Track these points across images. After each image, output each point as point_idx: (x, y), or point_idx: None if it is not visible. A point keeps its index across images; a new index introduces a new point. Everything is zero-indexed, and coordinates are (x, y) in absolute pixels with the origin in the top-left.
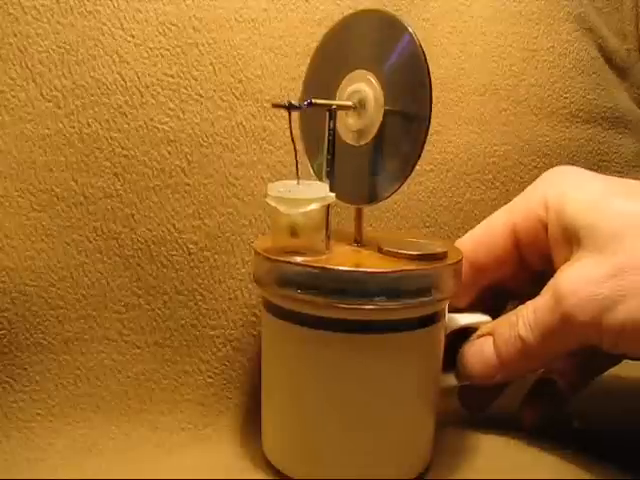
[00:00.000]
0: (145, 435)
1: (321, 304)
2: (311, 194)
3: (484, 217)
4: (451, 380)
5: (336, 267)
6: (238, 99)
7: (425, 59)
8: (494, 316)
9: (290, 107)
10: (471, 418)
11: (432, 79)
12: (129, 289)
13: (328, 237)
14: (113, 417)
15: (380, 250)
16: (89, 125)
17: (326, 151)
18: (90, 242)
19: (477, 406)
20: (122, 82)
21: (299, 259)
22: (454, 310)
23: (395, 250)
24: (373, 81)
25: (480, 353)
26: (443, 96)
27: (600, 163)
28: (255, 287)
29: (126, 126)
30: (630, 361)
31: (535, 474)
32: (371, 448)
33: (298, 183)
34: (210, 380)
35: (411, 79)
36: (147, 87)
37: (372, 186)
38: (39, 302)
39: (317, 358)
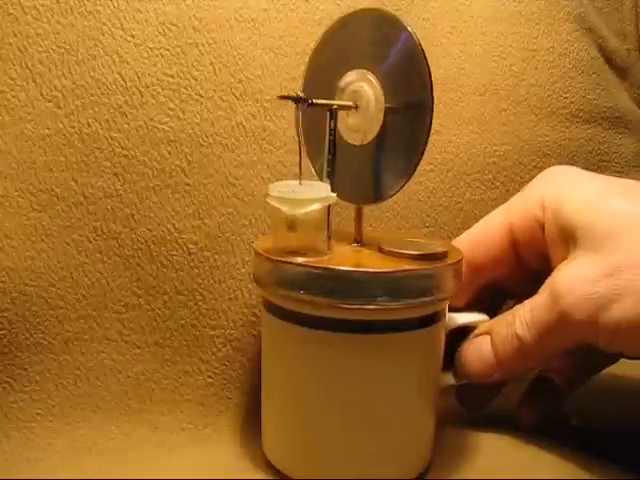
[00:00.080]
0: (145, 435)
1: (323, 304)
2: (313, 194)
3: (484, 217)
4: (449, 379)
5: (339, 267)
6: (238, 99)
7: (425, 56)
8: (491, 315)
9: (298, 99)
10: (470, 417)
11: (432, 79)
12: (129, 289)
13: (329, 237)
14: (113, 417)
15: (381, 250)
16: (89, 125)
17: (327, 151)
18: (90, 242)
19: (475, 405)
20: (122, 82)
21: (301, 259)
22: (452, 309)
23: (396, 250)
24: (373, 80)
25: (478, 352)
26: (443, 96)
27: (600, 163)
28: (255, 287)
29: (126, 126)
30: (627, 360)
31: (535, 473)
32: (372, 448)
33: (300, 183)
34: (210, 380)
35: (411, 77)
36: (147, 87)
37: (374, 185)
38: (39, 302)
39: (317, 358)
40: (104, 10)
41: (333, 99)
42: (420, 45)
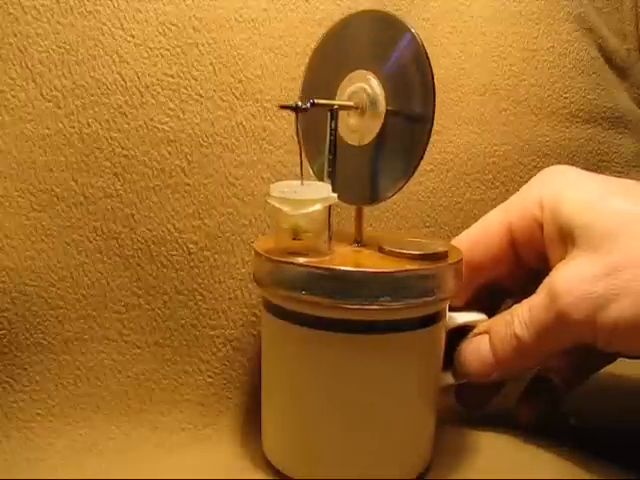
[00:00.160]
0: (145, 435)
1: (325, 305)
2: (314, 195)
3: (483, 217)
4: (448, 378)
5: (341, 268)
6: (238, 99)
7: (428, 58)
8: (490, 314)
9: (297, 109)
10: (469, 416)
11: (435, 81)
12: (129, 289)
13: (330, 237)
14: (113, 417)
15: (381, 250)
16: (89, 125)
17: (328, 151)
18: (90, 242)
19: (475, 405)
20: (122, 82)
21: (302, 260)
22: (451, 309)
23: (396, 250)
24: (374, 81)
25: (477, 351)
26: (443, 96)
27: (600, 163)
28: (255, 287)
29: (126, 126)
30: (625, 359)
31: (535, 473)
32: (372, 448)
33: (302, 184)
34: (210, 380)
35: (414, 79)
36: (147, 87)
37: (374, 186)
38: (39, 302)
39: (318, 358)
40: (104, 10)
41: (333, 100)
42: (423, 47)
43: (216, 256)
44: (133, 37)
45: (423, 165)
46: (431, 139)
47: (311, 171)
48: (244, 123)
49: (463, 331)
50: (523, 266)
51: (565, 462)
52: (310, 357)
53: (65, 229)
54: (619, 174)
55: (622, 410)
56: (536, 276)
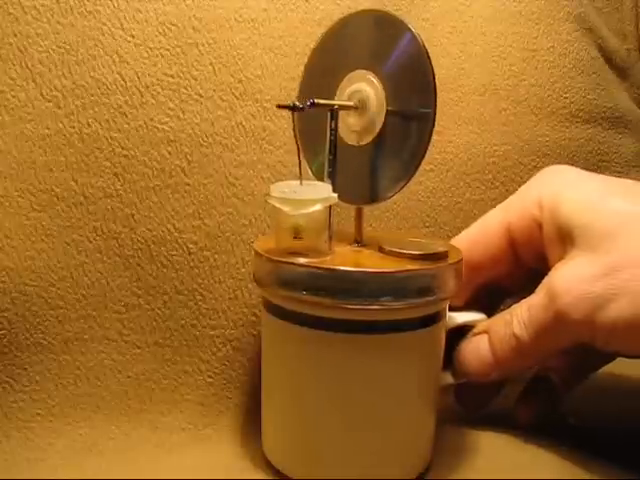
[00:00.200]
0: (145, 435)
1: (326, 305)
2: (315, 195)
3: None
4: (448, 378)
5: (342, 268)
6: (238, 99)
7: (429, 58)
8: (489, 314)
9: (295, 108)
10: (469, 416)
11: (436, 81)
12: (129, 289)
13: (330, 238)
14: (113, 417)
15: (382, 250)
16: (89, 125)
17: (328, 151)
18: (90, 242)
19: (474, 406)
20: (122, 82)
21: (303, 260)
22: (450, 308)
23: (397, 250)
24: (374, 81)
25: (476, 351)
26: (443, 96)
27: (600, 163)
28: (255, 287)
29: (126, 126)
30: (624, 359)
31: (535, 473)
32: (372, 448)
33: (301, 184)
34: (210, 380)
35: (414, 78)
36: (147, 87)
37: (374, 186)
38: (39, 302)
39: (318, 358)
40: (104, 10)
41: (332, 99)
42: (424, 46)
43: (216, 256)
44: (133, 37)
45: (423, 165)
46: (432, 139)
47: (310, 171)
48: (244, 123)
49: (462, 331)
50: (522, 266)
51: (565, 462)
52: (310, 357)
53: (65, 229)
54: (619, 174)
55: (621, 410)
56: (535, 276)
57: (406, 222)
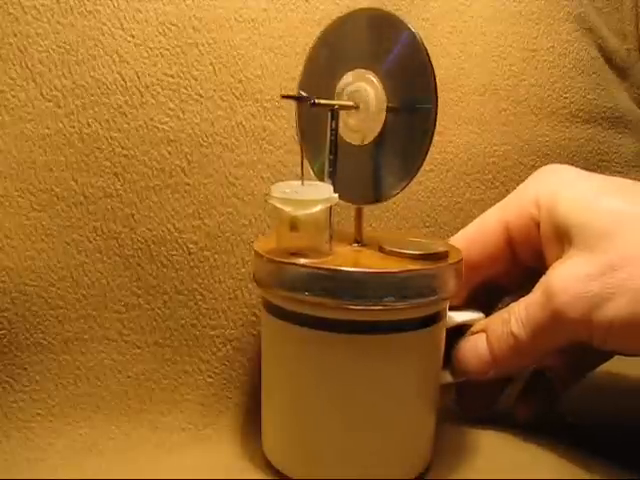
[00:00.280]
0: (145, 435)
1: (330, 306)
2: (316, 195)
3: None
4: (447, 377)
5: (345, 268)
6: (238, 99)
7: (428, 57)
8: (487, 312)
9: (301, 98)
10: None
11: (436, 80)
12: (129, 289)
13: (331, 238)
14: (113, 417)
15: (382, 250)
16: (89, 125)
17: (328, 151)
18: (90, 242)
19: (475, 410)
20: (122, 82)
21: (304, 261)
22: (449, 307)
23: (397, 250)
24: (374, 80)
25: (474, 349)
26: (443, 96)
27: (600, 163)
28: (255, 287)
29: (126, 126)
30: (621, 357)
31: (535, 473)
32: (373, 448)
33: (302, 184)
34: (210, 380)
35: (415, 77)
36: (147, 87)
37: (376, 186)
38: (39, 302)
39: (318, 358)
40: (104, 10)
41: (331, 99)
42: (424, 45)
43: (216, 256)
44: (133, 37)
45: (423, 165)
46: (434, 139)
47: (311, 171)
48: (244, 123)
49: (461, 330)
50: (520, 264)
51: (564, 461)
52: (310, 358)
53: (65, 229)
54: (619, 174)
55: (619, 408)
56: (533, 274)
57: (406, 222)
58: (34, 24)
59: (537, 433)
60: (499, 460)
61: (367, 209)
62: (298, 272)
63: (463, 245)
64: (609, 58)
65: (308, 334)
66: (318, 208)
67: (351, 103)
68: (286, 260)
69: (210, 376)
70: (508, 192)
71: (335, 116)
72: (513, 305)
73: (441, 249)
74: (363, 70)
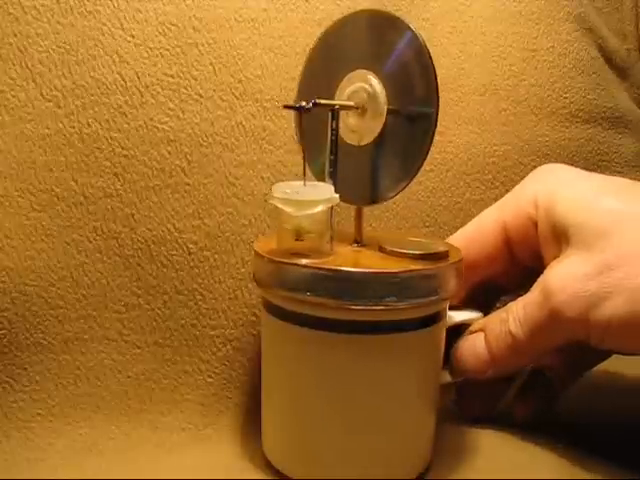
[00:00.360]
0: (145, 435)
1: (332, 306)
2: (318, 195)
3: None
4: (445, 376)
5: (347, 269)
6: (238, 99)
7: (430, 57)
8: (486, 312)
9: (301, 109)
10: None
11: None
12: (129, 289)
13: (331, 238)
14: (113, 417)
15: (382, 250)
16: (89, 125)
17: (329, 152)
18: (90, 242)
19: (474, 412)
20: (122, 82)
21: (305, 261)
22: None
23: (398, 250)
24: (374, 80)
25: (472, 349)
26: (443, 96)
27: (600, 163)
28: (255, 287)
29: (126, 126)
30: (619, 356)
31: (535, 473)
32: (373, 449)
33: (304, 184)
34: (210, 380)
35: (416, 78)
36: (147, 87)
37: (375, 186)
38: (39, 302)
39: (319, 359)
40: (104, 10)
41: (332, 100)
42: (425, 45)
43: (216, 256)
44: (133, 37)
45: (423, 165)
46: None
47: (310, 171)
48: (244, 123)
49: (459, 329)
50: (518, 264)
51: (564, 461)
52: (311, 358)
53: (65, 229)
54: (619, 174)
55: (616, 407)
56: (531, 274)
57: (406, 222)
58: (34, 24)
59: (536, 432)
60: (499, 460)
61: (367, 209)
62: (299, 272)
63: (461, 245)
64: (609, 58)
65: (308, 334)
66: (319, 208)
67: (351, 103)
68: (287, 260)
69: (210, 376)
70: (508, 192)
71: (336, 116)
72: (511, 304)
73: (441, 249)
74: (364, 71)
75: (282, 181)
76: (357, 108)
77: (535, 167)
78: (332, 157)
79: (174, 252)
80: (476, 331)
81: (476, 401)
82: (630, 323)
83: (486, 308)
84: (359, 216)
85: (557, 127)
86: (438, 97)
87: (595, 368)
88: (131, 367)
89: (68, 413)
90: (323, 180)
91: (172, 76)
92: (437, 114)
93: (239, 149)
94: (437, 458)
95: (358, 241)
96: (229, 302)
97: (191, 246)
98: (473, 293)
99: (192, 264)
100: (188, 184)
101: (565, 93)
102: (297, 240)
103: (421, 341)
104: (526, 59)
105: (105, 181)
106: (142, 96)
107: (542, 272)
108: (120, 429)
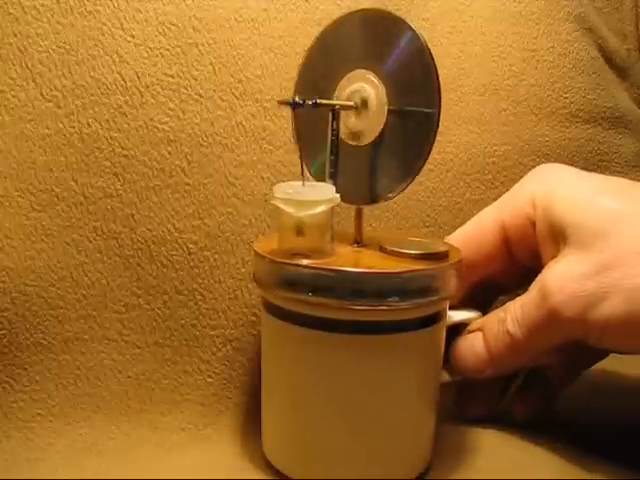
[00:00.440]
0: (145, 435)
1: (333, 306)
2: (319, 196)
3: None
4: (444, 375)
5: (350, 269)
6: (238, 99)
7: (432, 56)
8: (484, 311)
9: (294, 105)
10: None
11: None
12: (129, 289)
13: (332, 238)
14: (113, 417)
15: (383, 250)
16: (89, 125)
17: (329, 152)
18: (90, 242)
19: (474, 412)
20: (122, 82)
21: (307, 261)
22: None
23: (398, 250)
24: (374, 80)
25: (471, 348)
26: (443, 96)
27: (600, 163)
28: (255, 287)
29: (126, 126)
30: (617, 355)
31: (535, 473)
32: (373, 449)
33: (303, 184)
34: (210, 380)
35: (417, 77)
36: (147, 87)
37: (375, 186)
38: (39, 302)
39: (319, 359)
40: (104, 10)
41: (331, 100)
42: (427, 45)
43: (216, 256)
44: (133, 37)
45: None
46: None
47: (308, 172)
48: (244, 123)
49: (458, 328)
50: (516, 263)
51: (563, 461)
52: (311, 358)
53: (65, 229)
54: (619, 174)
55: (614, 406)
56: (529, 273)
57: (406, 222)
58: (34, 24)
59: (535, 432)
60: (499, 460)
61: (367, 209)
62: (300, 273)
63: (460, 244)
64: (609, 58)
65: (308, 334)
66: (321, 209)
67: (351, 103)
68: (288, 261)
69: (210, 376)
70: None
71: (336, 116)
72: (509, 304)
73: (442, 249)
74: (364, 70)
75: (282, 181)
76: (356, 108)
77: (535, 167)
78: (332, 157)
79: (174, 252)
80: (474, 330)
81: (475, 401)
82: (628, 323)
83: (484, 307)
84: (359, 216)
85: (557, 127)
86: (440, 97)
87: (593, 367)
88: (131, 367)
89: (68, 413)
90: (322, 180)
91: (172, 76)
92: (439, 114)
93: (239, 149)
94: (437, 458)
95: (358, 241)
96: (229, 302)
97: (191, 246)
98: (472, 292)
99: (192, 264)
100: (188, 184)
101: (565, 93)
102: (299, 237)
103: (421, 341)
104: (526, 59)
105: (105, 181)
106: (142, 96)
107: (540, 271)
108: (120, 429)
